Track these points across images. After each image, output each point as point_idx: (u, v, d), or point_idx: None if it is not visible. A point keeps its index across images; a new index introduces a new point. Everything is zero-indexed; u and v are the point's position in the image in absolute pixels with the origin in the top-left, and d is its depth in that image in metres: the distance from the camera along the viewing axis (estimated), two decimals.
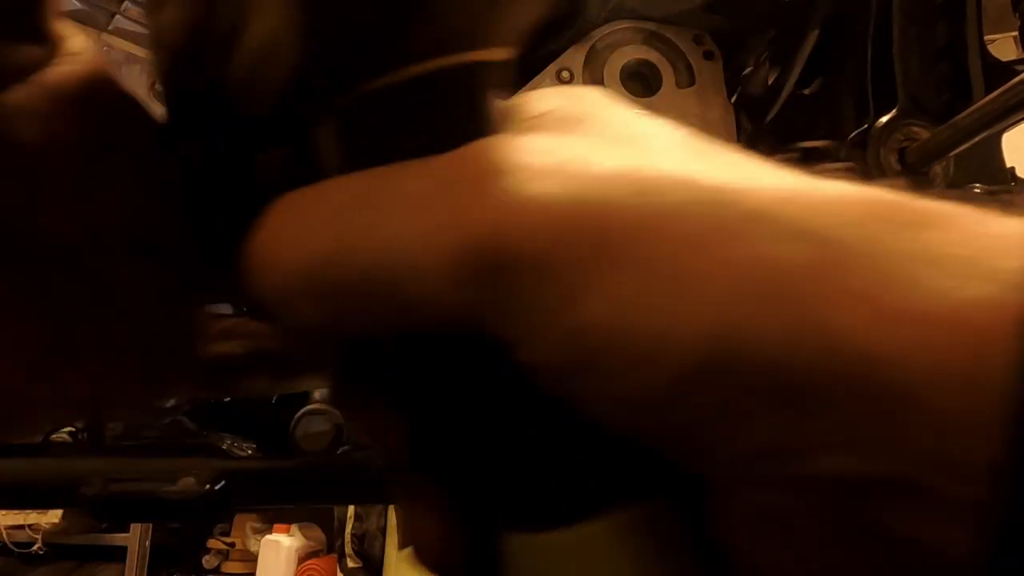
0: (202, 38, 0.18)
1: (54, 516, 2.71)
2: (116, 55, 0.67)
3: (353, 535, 2.46)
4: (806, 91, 0.85)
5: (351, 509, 2.47)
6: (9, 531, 2.67)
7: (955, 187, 0.58)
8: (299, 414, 0.63)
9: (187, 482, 0.53)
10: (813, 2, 0.78)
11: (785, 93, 0.81)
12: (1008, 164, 0.86)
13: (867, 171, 0.58)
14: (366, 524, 2.46)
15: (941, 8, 0.63)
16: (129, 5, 0.72)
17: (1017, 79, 0.45)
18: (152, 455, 0.57)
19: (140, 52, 0.69)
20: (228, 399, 0.71)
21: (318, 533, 2.94)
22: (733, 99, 0.91)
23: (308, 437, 0.61)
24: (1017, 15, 0.62)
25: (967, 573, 0.13)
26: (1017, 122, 0.48)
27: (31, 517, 2.70)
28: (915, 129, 0.58)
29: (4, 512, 2.67)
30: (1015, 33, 0.73)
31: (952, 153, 0.54)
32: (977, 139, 0.51)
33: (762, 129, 0.87)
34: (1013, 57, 0.74)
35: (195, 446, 0.58)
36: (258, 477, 0.57)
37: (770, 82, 0.88)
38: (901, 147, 0.58)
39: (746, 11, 0.74)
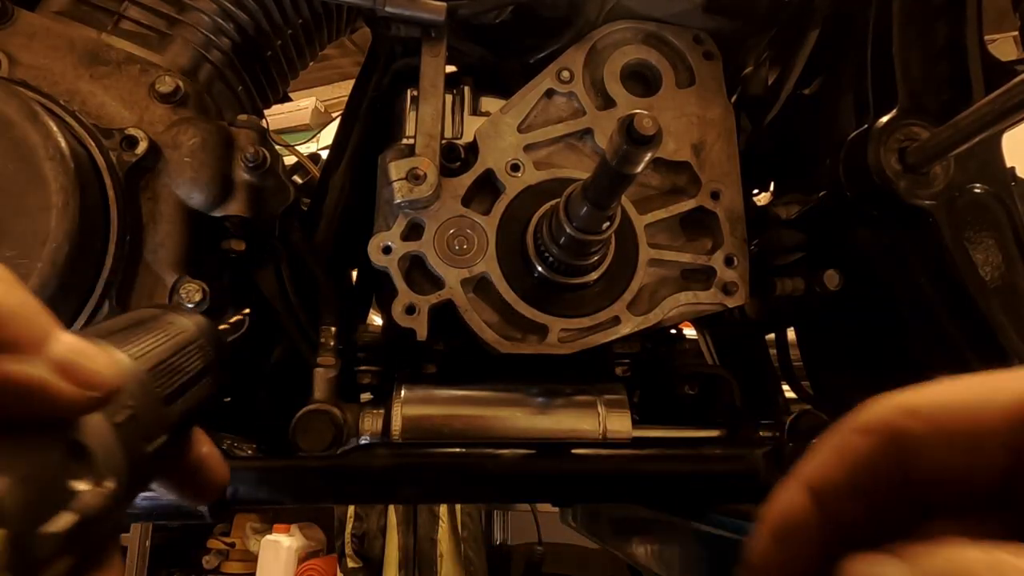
0: None
1: None
2: (116, 55, 0.67)
3: (353, 535, 2.46)
4: (806, 91, 0.85)
5: (351, 509, 2.47)
6: None
7: (955, 187, 0.58)
8: (299, 414, 0.63)
9: None
10: (813, 2, 0.78)
11: (785, 93, 0.81)
12: (1008, 164, 0.86)
13: (866, 171, 0.58)
14: (366, 524, 2.46)
15: (941, 8, 0.63)
16: (129, 5, 0.72)
17: (1017, 79, 0.45)
18: None
19: (139, 52, 0.69)
20: (228, 399, 0.71)
21: (318, 533, 2.94)
22: (733, 99, 0.91)
23: (308, 437, 0.61)
24: (1017, 15, 0.62)
25: None
26: (1017, 122, 0.47)
27: None
28: (915, 129, 0.58)
29: None
30: (1015, 33, 0.73)
31: (952, 153, 0.54)
32: (977, 139, 0.50)
33: (762, 129, 0.87)
34: (1013, 57, 0.74)
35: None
36: (258, 477, 0.57)
37: (770, 82, 0.88)
38: (901, 147, 0.58)
39: (746, 11, 0.74)
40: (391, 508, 2.43)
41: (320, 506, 2.78)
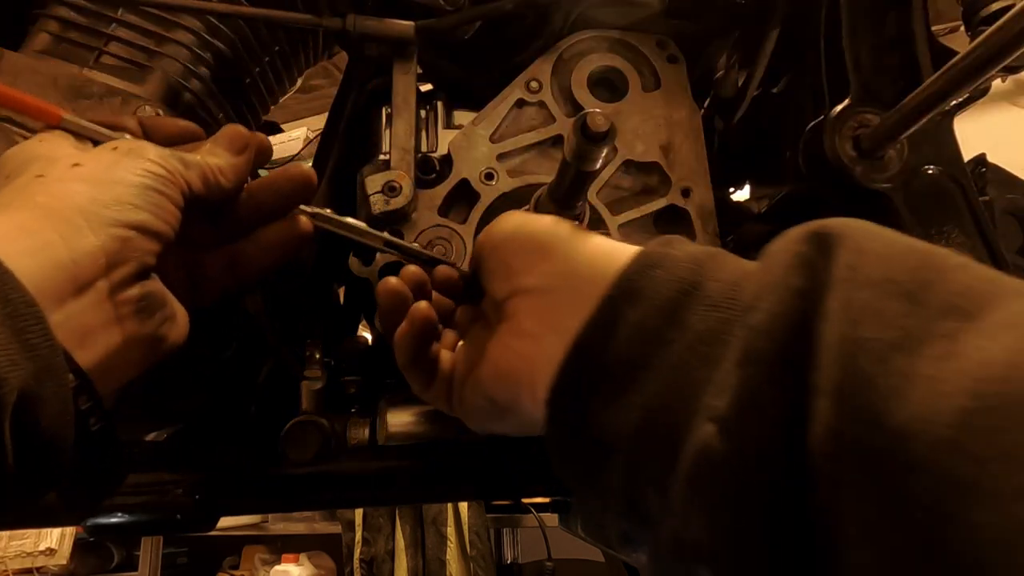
0: None
1: (61, 557, 2.70)
2: (98, 88, 0.69)
3: (361, 560, 2.45)
4: (775, 90, 0.87)
5: (359, 534, 2.46)
6: (16, 574, 2.66)
7: (910, 169, 0.60)
8: (288, 426, 0.64)
9: (176, 494, 0.54)
10: (771, 2, 0.80)
11: (750, 93, 0.83)
12: (980, 150, 0.88)
13: (824, 159, 0.60)
14: (374, 549, 2.45)
15: (888, 0, 0.65)
16: (109, 41, 0.75)
17: (953, 60, 0.47)
18: (142, 469, 0.58)
19: (120, 84, 0.72)
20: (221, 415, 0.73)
21: (327, 561, 2.92)
22: (707, 101, 0.93)
23: (296, 447, 0.62)
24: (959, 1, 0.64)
25: None
26: (959, 100, 0.49)
27: (38, 560, 2.69)
28: (868, 116, 0.60)
29: (11, 555, 2.66)
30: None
31: (903, 136, 0.56)
32: (925, 120, 0.52)
33: (732, 127, 0.89)
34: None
35: (185, 457, 0.60)
36: (246, 486, 0.58)
37: (739, 84, 0.91)
38: (855, 134, 0.60)
39: (705, 14, 0.76)
40: (398, 531, 2.42)
41: (328, 534, 2.77)
